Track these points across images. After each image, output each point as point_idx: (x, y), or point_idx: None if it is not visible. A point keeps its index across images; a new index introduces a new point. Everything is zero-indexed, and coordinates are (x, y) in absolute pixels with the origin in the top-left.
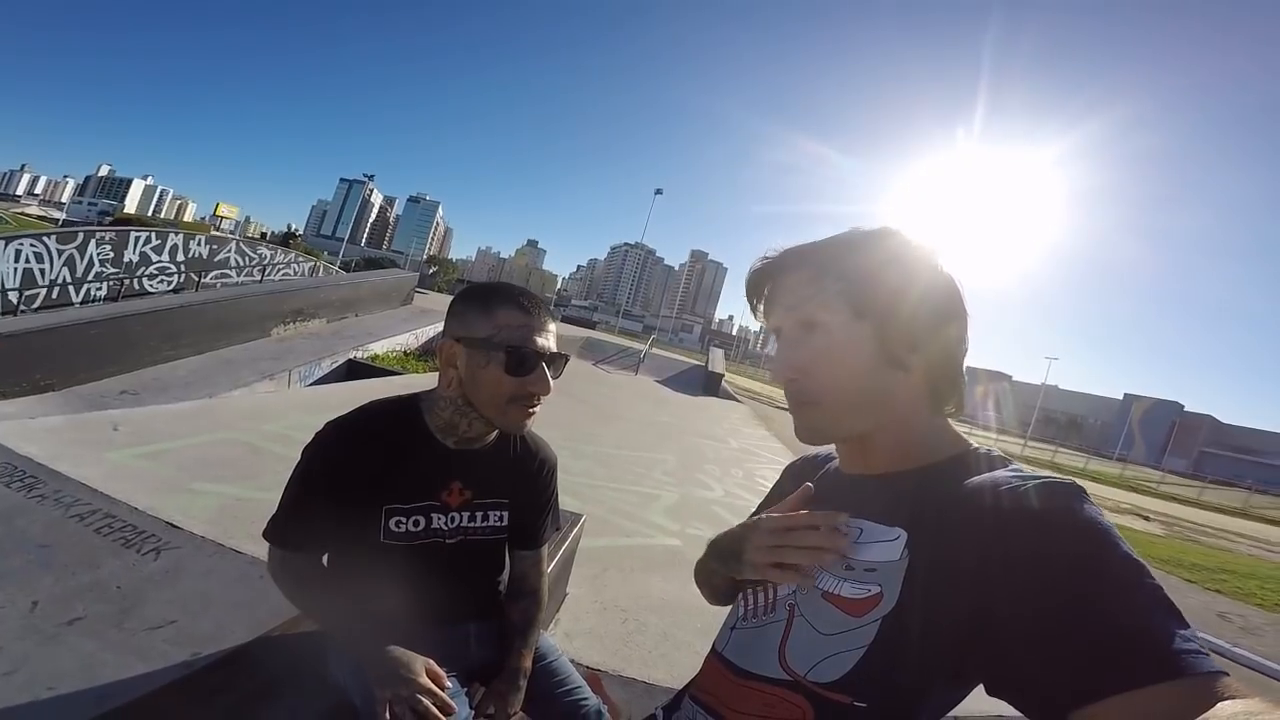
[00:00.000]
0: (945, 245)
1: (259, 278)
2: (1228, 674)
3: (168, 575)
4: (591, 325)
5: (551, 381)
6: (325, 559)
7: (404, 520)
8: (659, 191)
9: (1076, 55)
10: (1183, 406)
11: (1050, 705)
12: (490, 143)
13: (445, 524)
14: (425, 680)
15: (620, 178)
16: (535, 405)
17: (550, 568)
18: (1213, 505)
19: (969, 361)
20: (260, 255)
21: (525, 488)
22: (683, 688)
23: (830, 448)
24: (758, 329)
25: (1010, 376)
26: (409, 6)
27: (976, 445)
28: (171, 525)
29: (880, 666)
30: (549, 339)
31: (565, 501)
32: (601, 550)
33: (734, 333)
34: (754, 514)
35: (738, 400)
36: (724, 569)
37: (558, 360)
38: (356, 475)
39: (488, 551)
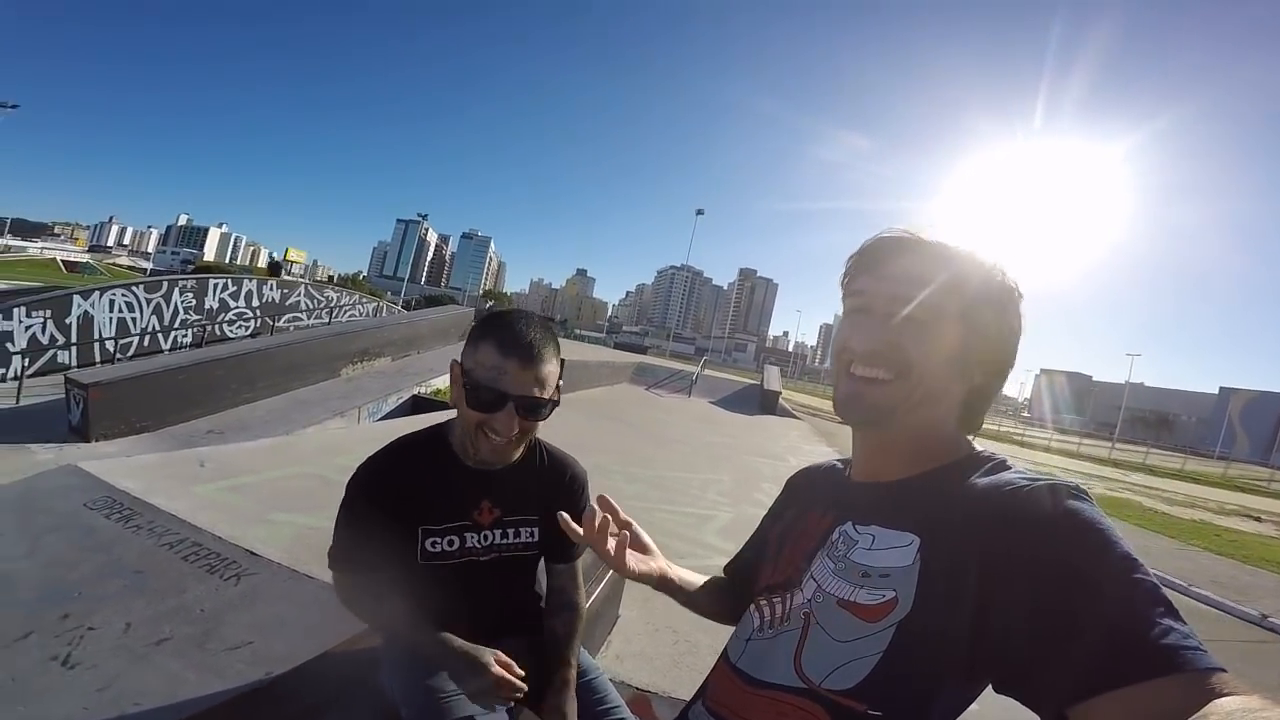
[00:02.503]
0: (1021, 287)
1: (327, 319)
2: (1226, 670)
3: (246, 599)
4: (643, 350)
5: (516, 422)
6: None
7: (439, 540)
8: (700, 211)
9: (1145, 44)
10: None
11: (1053, 701)
12: (534, 174)
13: (479, 542)
14: (498, 669)
15: (661, 200)
16: (500, 439)
17: (599, 589)
18: None
19: (1048, 364)
20: (327, 298)
21: (554, 504)
22: (691, 699)
23: (833, 460)
24: (814, 344)
25: (1090, 377)
26: (452, 63)
27: (981, 448)
28: (251, 553)
29: (894, 672)
30: (523, 382)
31: None
32: None
33: (790, 349)
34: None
35: (796, 417)
36: None
37: (534, 404)
38: (390, 503)
39: (523, 566)
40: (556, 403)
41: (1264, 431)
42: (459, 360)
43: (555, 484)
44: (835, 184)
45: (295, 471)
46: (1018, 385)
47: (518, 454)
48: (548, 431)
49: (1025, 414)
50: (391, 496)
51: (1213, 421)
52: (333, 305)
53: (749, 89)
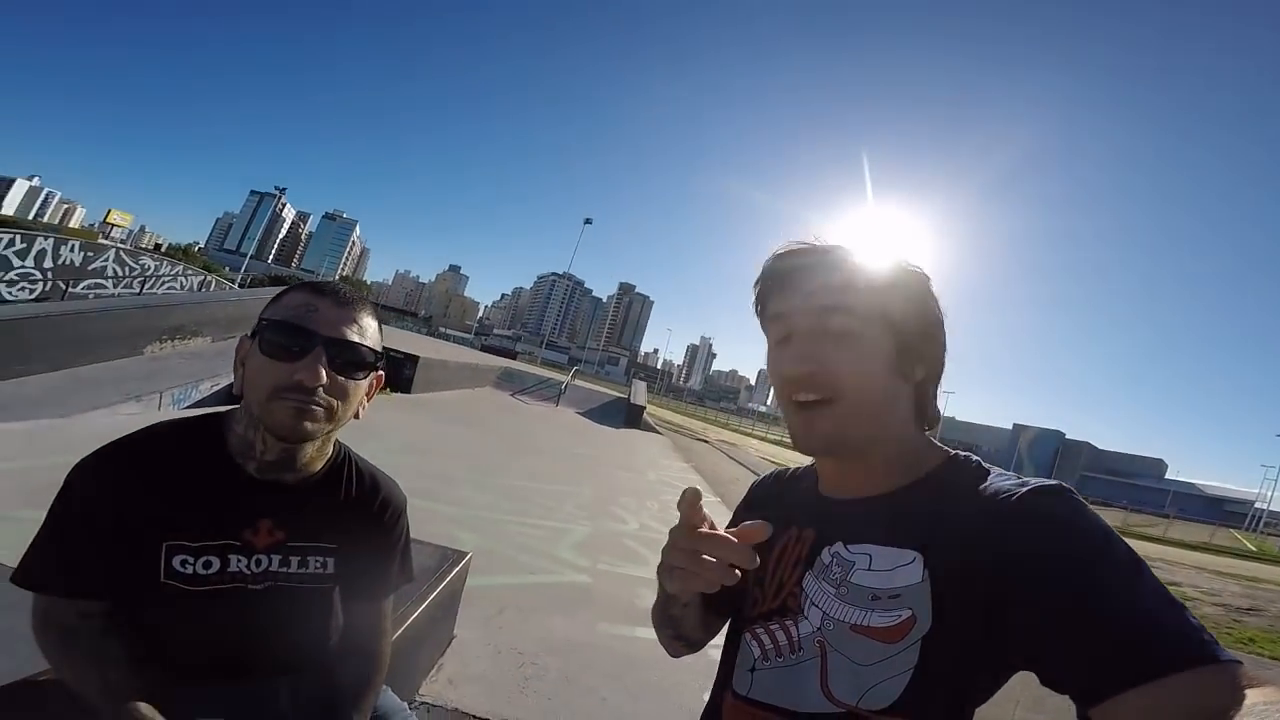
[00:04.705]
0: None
1: (138, 290)
2: (1242, 662)
3: None
4: (513, 355)
5: (325, 374)
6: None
7: (191, 560)
8: (589, 221)
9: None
10: (1064, 434)
11: (1085, 697)
12: (416, 162)
13: (248, 567)
14: None
15: (550, 204)
16: (311, 402)
17: (424, 607)
18: None
19: None
20: (142, 266)
21: (360, 533)
22: None
23: (802, 466)
24: (680, 363)
25: None
26: (353, 20)
27: (956, 452)
28: None
29: (931, 684)
30: (338, 321)
31: (461, 537)
32: (499, 589)
33: (659, 366)
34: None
35: (658, 432)
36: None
37: (351, 352)
38: (124, 508)
39: (308, 601)
40: (377, 364)
41: (1044, 463)
42: (249, 332)
43: (363, 509)
44: (713, 215)
45: (61, 462)
46: None
47: (323, 433)
48: (381, 437)
49: None
50: (123, 501)
51: (1006, 453)
52: (147, 275)
53: (649, 108)
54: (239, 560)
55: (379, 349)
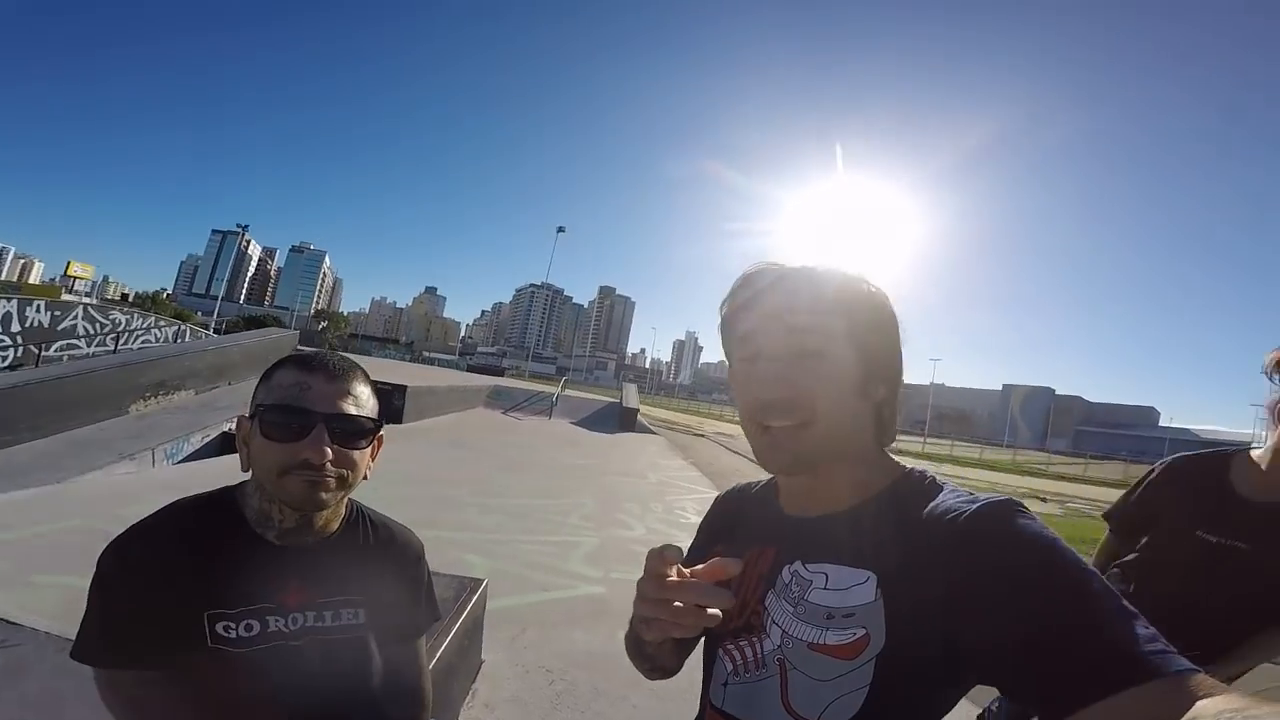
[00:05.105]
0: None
1: (113, 347)
2: (1201, 670)
3: (9, 676)
4: (500, 372)
5: (329, 449)
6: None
7: (233, 625)
8: (561, 229)
9: (933, 75)
10: (1054, 391)
11: (1046, 712)
12: (377, 185)
13: (286, 626)
14: None
15: (520, 214)
16: (321, 476)
17: (449, 638)
18: (1098, 480)
19: None
20: (113, 321)
21: (384, 583)
22: None
23: (762, 481)
24: (668, 360)
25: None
26: (287, 52)
27: (910, 468)
28: (8, 622)
29: (887, 700)
30: (333, 397)
31: (473, 562)
32: (518, 609)
33: (647, 365)
34: (686, 554)
35: (654, 433)
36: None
37: (350, 424)
38: (162, 586)
39: (346, 650)
40: (377, 430)
41: (1038, 421)
42: (245, 413)
43: (382, 560)
44: (686, 202)
45: (67, 525)
46: None
47: (336, 500)
48: (387, 470)
49: None
50: (160, 580)
51: (999, 414)
52: (120, 330)
53: (604, 105)
54: (277, 620)
55: (376, 416)
